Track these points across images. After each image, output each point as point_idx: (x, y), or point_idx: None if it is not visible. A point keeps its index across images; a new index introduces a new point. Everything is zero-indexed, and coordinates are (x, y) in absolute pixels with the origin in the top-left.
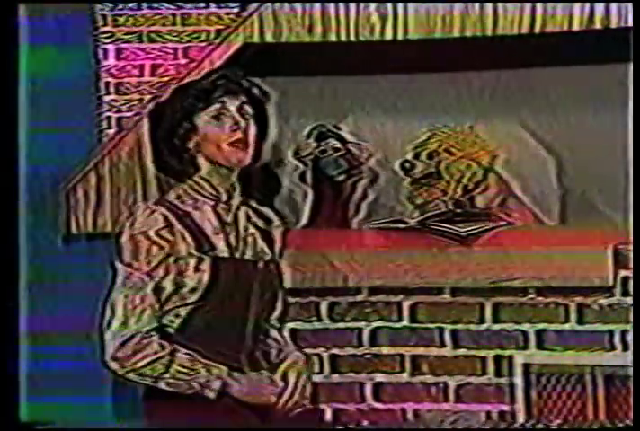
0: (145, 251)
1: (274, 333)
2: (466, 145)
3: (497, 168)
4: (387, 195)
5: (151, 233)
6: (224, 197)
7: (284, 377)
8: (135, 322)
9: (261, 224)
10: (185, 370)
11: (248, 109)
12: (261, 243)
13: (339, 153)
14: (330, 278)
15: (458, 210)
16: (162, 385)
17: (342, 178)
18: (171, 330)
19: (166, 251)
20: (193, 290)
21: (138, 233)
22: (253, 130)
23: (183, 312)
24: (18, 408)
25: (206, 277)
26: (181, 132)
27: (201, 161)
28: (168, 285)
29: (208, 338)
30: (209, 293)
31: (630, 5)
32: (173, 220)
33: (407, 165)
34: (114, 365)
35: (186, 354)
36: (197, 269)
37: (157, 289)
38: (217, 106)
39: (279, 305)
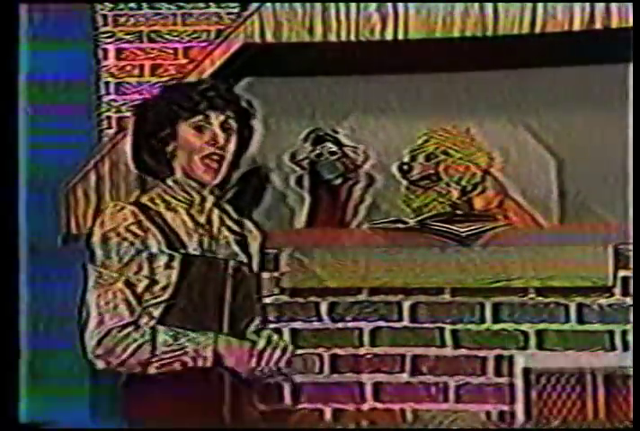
0: (115, 248)
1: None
2: (464, 148)
3: (494, 170)
4: (383, 198)
5: (121, 229)
6: (197, 201)
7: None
8: (110, 318)
9: (236, 228)
10: (171, 347)
11: (232, 123)
12: (234, 247)
13: (335, 157)
14: (330, 278)
15: (457, 212)
16: (152, 370)
17: (338, 182)
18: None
19: (137, 247)
20: (164, 288)
21: (109, 231)
22: (231, 147)
23: (156, 312)
24: (18, 408)
25: (175, 275)
26: (161, 135)
27: (177, 166)
28: (141, 281)
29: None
30: (179, 290)
31: (630, 5)
32: (142, 217)
33: (405, 168)
34: (100, 364)
35: (166, 331)
36: (167, 267)
37: (129, 284)
38: (201, 117)
39: (256, 313)
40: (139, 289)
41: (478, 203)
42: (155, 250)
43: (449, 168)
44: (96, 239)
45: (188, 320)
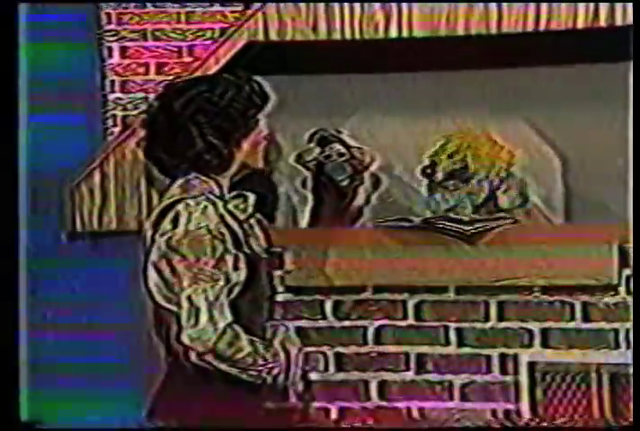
0: (210, 246)
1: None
2: (486, 145)
3: (515, 168)
4: (396, 203)
5: (212, 227)
6: (228, 196)
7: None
8: (219, 315)
9: (265, 222)
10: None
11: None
12: (262, 242)
13: (343, 158)
14: (334, 276)
15: (482, 212)
16: (244, 376)
17: (345, 183)
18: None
19: (225, 246)
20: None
21: (199, 228)
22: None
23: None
24: (18, 408)
25: (243, 274)
26: (242, 130)
27: (236, 161)
28: (233, 278)
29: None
30: (247, 288)
31: (630, 5)
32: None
33: (428, 170)
34: (209, 357)
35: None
36: (235, 266)
37: (228, 281)
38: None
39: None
40: (230, 285)
41: (503, 201)
42: (230, 248)
43: (476, 161)
44: (185, 238)
45: (244, 321)
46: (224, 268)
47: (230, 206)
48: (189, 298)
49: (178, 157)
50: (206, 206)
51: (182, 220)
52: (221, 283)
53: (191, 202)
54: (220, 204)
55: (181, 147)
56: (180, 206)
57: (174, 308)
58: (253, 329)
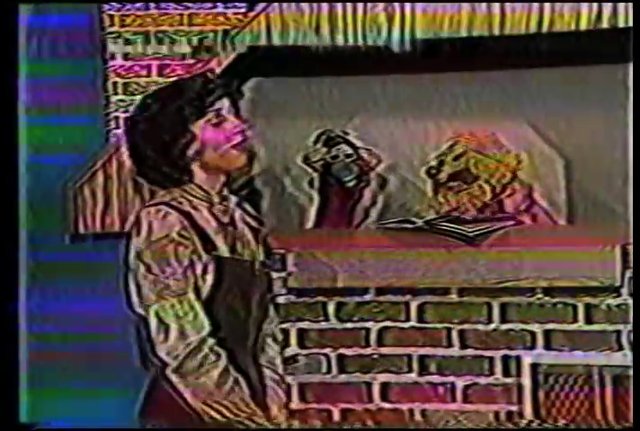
0: (173, 254)
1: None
2: (492, 149)
3: (521, 173)
4: (398, 202)
5: (174, 235)
6: (217, 199)
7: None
8: (192, 328)
9: (254, 224)
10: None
11: (238, 109)
12: (254, 245)
13: (350, 159)
14: (337, 278)
15: (486, 215)
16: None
17: (352, 183)
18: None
19: (191, 250)
20: (200, 291)
21: (161, 238)
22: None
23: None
24: (18, 408)
25: (211, 278)
26: (182, 141)
27: (196, 168)
28: (201, 284)
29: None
30: (215, 293)
31: (630, 5)
32: (183, 219)
33: (433, 171)
34: (174, 378)
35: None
36: (205, 271)
37: (197, 289)
38: (214, 113)
39: (270, 309)
40: (203, 294)
41: (509, 205)
42: (199, 253)
43: (480, 165)
44: (147, 249)
45: (219, 326)
46: (192, 278)
47: (215, 210)
48: (157, 314)
49: (150, 172)
50: (167, 214)
51: (144, 229)
52: (190, 296)
53: (152, 209)
54: (204, 207)
55: (145, 165)
56: (142, 214)
57: (145, 314)
58: (234, 341)
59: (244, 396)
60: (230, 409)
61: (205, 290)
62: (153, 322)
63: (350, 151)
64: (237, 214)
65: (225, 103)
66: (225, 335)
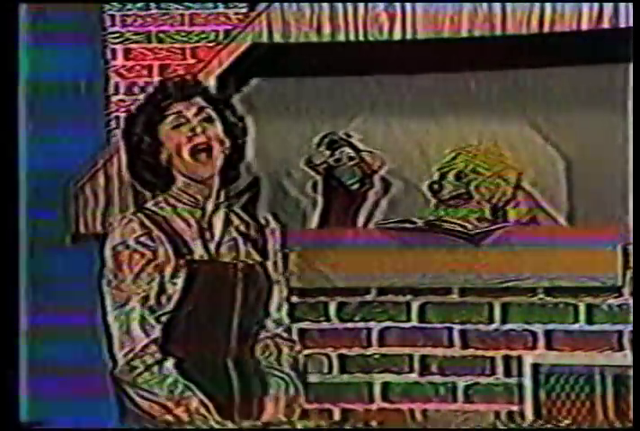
0: (127, 261)
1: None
2: (493, 164)
3: (525, 184)
4: (406, 207)
5: (130, 242)
6: (202, 203)
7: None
8: (129, 342)
9: (243, 227)
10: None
11: (210, 112)
12: (243, 247)
13: (353, 162)
14: (338, 278)
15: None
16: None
17: (355, 187)
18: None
19: (148, 258)
20: (170, 297)
21: (118, 244)
22: (216, 134)
23: (164, 318)
24: (18, 408)
25: (181, 282)
26: (146, 147)
27: (176, 173)
28: (152, 293)
29: (192, 344)
30: (187, 296)
31: (630, 5)
32: (151, 225)
33: (435, 187)
34: (121, 379)
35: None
36: (174, 275)
37: (144, 300)
38: (174, 116)
39: (279, 304)
40: (152, 302)
41: (512, 216)
42: (163, 258)
43: (480, 187)
44: (108, 254)
45: (194, 324)
46: (142, 285)
47: (197, 214)
48: (106, 323)
49: (137, 177)
50: (130, 220)
51: (110, 235)
52: (133, 304)
53: (119, 216)
54: (187, 211)
55: (133, 168)
56: (112, 220)
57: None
58: (204, 344)
59: (193, 401)
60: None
61: (174, 294)
62: (104, 331)
63: (353, 154)
64: (220, 217)
65: (190, 107)
66: (193, 338)
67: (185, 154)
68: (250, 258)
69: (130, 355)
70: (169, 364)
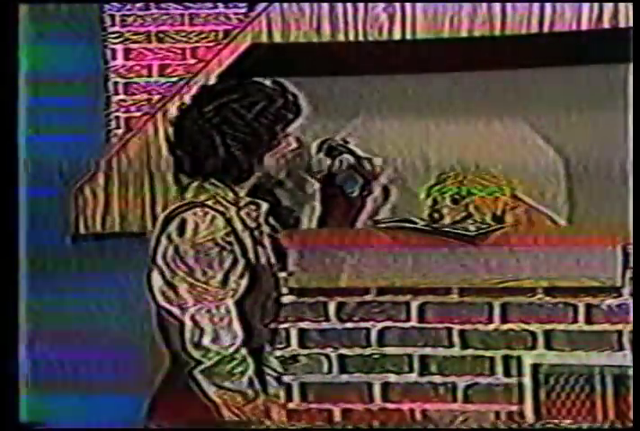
0: (217, 258)
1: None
2: (486, 186)
3: (519, 193)
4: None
5: (219, 239)
6: (242, 203)
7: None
8: (225, 335)
9: (268, 229)
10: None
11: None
12: (269, 249)
13: (353, 169)
14: (338, 278)
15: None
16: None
17: (355, 194)
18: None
19: (235, 256)
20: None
21: (207, 241)
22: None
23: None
24: (18, 408)
25: (245, 282)
26: (266, 145)
27: (255, 173)
28: (237, 289)
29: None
30: (246, 298)
31: (630, 5)
32: (228, 224)
33: (436, 215)
34: (200, 377)
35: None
36: (241, 275)
37: (234, 295)
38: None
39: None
40: (240, 297)
41: (509, 218)
42: (239, 257)
43: (480, 207)
44: (191, 250)
45: (252, 332)
46: (232, 283)
47: (242, 214)
48: (192, 318)
49: (198, 161)
50: (214, 217)
51: (189, 229)
52: (228, 302)
53: (199, 211)
54: (233, 211)
55: (202, 153)
56: (187, 214)
57: (179, 314)
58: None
59: (260, 406)
60: (246, 414)
61: (239, 295)
62: (188, 324)
63: (352, 161)
64: (262, 218)
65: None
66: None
67: (282, 162)
68: (272, 260)
69: (231, 349)
70: (252, 367)
